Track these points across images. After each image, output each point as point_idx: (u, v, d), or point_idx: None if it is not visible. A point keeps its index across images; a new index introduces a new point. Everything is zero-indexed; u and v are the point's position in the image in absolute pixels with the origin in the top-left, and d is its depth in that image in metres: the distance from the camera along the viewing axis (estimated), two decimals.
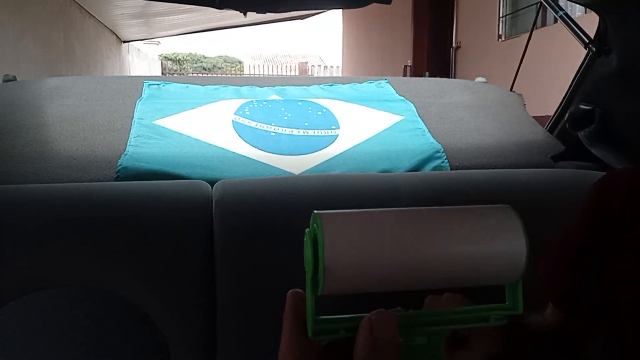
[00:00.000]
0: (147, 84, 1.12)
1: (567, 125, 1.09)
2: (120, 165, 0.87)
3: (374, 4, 1.11)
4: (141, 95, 1.08)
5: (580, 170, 0.95)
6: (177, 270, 0.73)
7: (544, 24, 5.09)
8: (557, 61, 4.56)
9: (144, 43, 12.84)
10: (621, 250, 0.52)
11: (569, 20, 1.08)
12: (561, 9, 1.11)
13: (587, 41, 1.04)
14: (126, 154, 0.89)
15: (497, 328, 0.55)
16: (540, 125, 1.14)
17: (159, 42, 13.71)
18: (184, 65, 18.56)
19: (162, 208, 0.74)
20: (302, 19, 11.47)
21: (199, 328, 0.73)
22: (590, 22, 1.06)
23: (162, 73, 15.27)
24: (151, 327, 0.72)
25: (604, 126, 1.03)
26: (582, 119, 1.05)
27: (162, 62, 16.90)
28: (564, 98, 1.15)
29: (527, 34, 1.37)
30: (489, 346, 0.52)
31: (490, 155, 1.02)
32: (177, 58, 18.82)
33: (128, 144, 0.92)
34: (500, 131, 1.09)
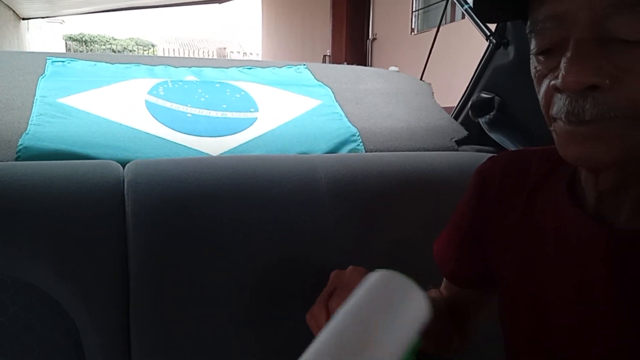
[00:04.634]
0: (51, 60, 1.05)
1: (469, 112, 1.17)
2: (21, 144, 0.81)
3: None
4: (44, 72, 1.01)
5: (479, 153, 1.03)
6: (87, 254, 0.70)
7: (452, 19, 5.37)
8: (464, 54, 4.84)
9: (47, 21, 11.85)
10: (498, 227, 0.58)
11: (472, 14, 1.15)
12: (466, 2, 1.18)
13: (489, 34, 1.12)
14: (27, 133, 0.83)
15: None
16: (446, 112, 1.22)
17: (63, 20, 12.71)
18: (91, 47, 17.29)
19: (70, 189, 0.71)
20: (219, 2, 11.18)
21: (111, 313, 0.71)
22: None
23: None
24: (60, 313, 0.69)
25: (502, 113, 1.12)
26: (483, 107, 1.14)
27: (66, 43, 15.66)
28: (467, 87, 1.23)
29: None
30: None
31: (401, 139, 1.07)
32: (84, 39, 17.51)
33: (30, 122, 0.86)
34: (410, 117, 1.15)
